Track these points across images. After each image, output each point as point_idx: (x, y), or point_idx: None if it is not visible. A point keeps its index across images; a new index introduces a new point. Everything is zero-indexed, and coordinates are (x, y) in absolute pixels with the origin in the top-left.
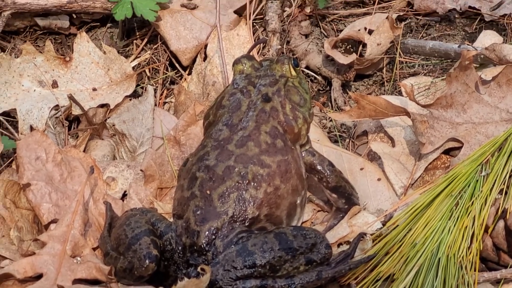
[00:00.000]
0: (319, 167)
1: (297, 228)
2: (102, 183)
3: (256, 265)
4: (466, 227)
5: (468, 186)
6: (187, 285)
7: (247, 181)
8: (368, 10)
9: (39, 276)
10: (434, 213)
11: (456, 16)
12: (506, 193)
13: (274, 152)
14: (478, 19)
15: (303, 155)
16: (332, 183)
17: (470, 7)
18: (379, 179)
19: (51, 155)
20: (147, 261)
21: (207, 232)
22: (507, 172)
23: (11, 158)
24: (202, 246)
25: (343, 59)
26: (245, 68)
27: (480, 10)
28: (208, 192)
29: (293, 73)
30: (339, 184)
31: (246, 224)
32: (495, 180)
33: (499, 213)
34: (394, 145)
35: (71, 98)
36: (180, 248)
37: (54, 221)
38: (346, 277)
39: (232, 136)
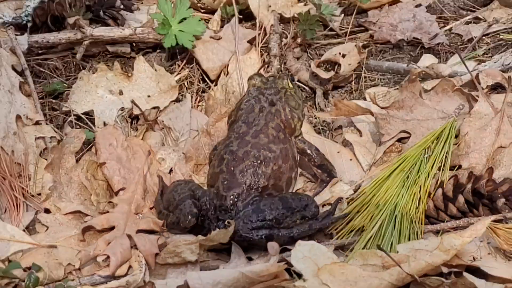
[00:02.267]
0: (308, 151)
1: (295, 194)
2: (156, 162)
3: (266, 219)
4: (415, 193)
5: (416, 164)
6: (218, 234)
7: (259, 161)
8: (341, 40)
9: (111, 228)
10: (391, 184)
11: (404, 44)
12: (442, 169)
13: (278, 141)
14: (420, 46)
15: (297, 143)
16: (318, 162)
17: (414, 37)
18: (351, 159)
19: (120, 142)
20: (189, 216)
21: (231, 197)
22: (443, 154)
23: (91, 145)
24: (228, 206)
25: (324, 75)
26: (256, 82)
27: (421, 40)
28: (232, 168)
29: (290, 85)
30: (323, 163)
31: (259, 191)
32: (435, 160)
33: (438, 183)
34: (361, 135)
35: (133, 102)
36: (212, 207)
37: (122, 189)
38: (329, 228)
39: (248, 130)
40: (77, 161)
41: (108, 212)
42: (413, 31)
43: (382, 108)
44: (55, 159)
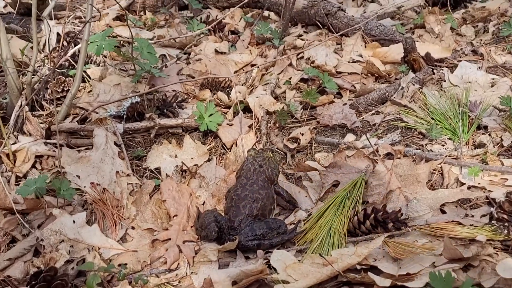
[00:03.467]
0: (281, 192)
1: (274, 219)
2: (195, 198)
3: (256, 234)
4: (342, 218)
5: (342, 201)
6: (229, 244)
7: (253, 200)
8: (301, 125)
9: (168, 239)
10: (328, 212)
11: (337, 127)
12: (356, 204)
13: (264, 188)
14: (345, 128)
15: (275, 188)
16: (287, 198)
17: (342, 123)
18: (306, 196)
19: (174, 187)
20: (213, 233)
21: (237, 221)
22: (358, 195)
23: (158, 189)
24: (235, 227)
25: (291, 146)
26: (252, 153)
27: (346, 124)
28: (237, 204)
29: (271, 155)
30: (290, 199)
31: (253, 217)
32: (353, 199)
33: (355, 212)
34: (312, 182)
35: (183, 163)
36: (226, 227)
37: (175, 215)
38: (293, 239)
39: (247, 182)
40: (150, 197)
41: (167, 229)
42: (342, 119)
43: (324, 167)
44: (137, 198)
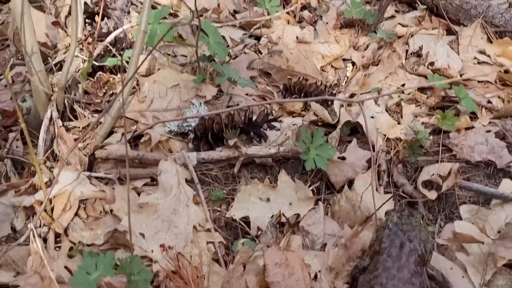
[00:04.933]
0: (436, 277)
1: None
2: (309, 273)
3: None
4: None
5: None
6: None
7: None
8: (433, 158)
9: None
10: None
11: (482, 164)
12: None
13: (417, 275)
14: (492, 166)
15: (427, 270)
16: (443, 286)
17: (488, 160)
18: (463, 276)
19: (282, 261)
20: None
21: None
22: None
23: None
24: None
25: (430, 195)
26: (394, 218)
27: (495, 162)
28: None
29: (421, 222)
30: (446, 286)
31: None
32: None
33: None
34: (468, 254)
35: (282, 214)
36: None
37: None
38: None
39: (393, 265)
40: (244, 269)
41: None
42: (487, 154)
43: (493, 239)
44: (230, 273)
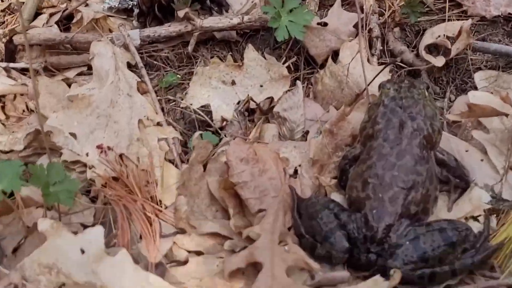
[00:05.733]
0: (448, 163)
1: (451, 223)
2: (285, 169)
3: (428, 259)
4: None
5: None
6: (380, 283)
7: (409, 187)
8: (439, 17)
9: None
10: None
11: (500, 20)
12: None
13: (423, 162)
14: None
15: (437, 154)
16: (457, 173)
17: (509, 14)
18: (482, 160)
19: (250, 156)
20: (342, 253)
21: (383, 228)
22: None
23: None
24: (381, 238)
25: (436, 62)
26: (390, 91)
27: None
28: (380, 195)
29: (426, 94)
30: (461, 172)
31: (410, 219)
32: None
33: None
34: (489, 131)
35: (251, 99)
36: (361, 237)
37: (260, 210)
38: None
39: (392, 151)
40: (204, 170)
41: (250, 239)
42: (508, 6)
43: None
44: (185, 173)
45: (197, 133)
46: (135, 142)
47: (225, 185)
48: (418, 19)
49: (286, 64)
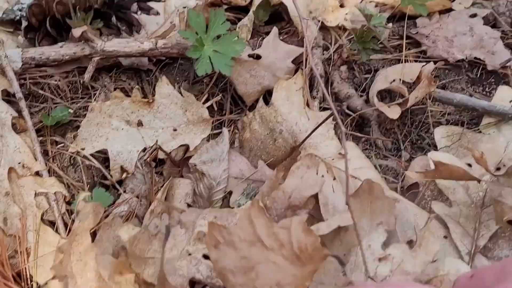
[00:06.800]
0: None
1: None
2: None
3: None
4: None
5: None
6: None
7: None
8: (393, 56)
9: None
10: None
11: (464, 65)
12: None
13: None
14: (480, 67)
15: None
16: None
17: (475, 58)
18: (445, 237)
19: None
20: None
21: None
22: None
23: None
24: None
25: (391, 114)
26: None
27: (484, 61)
28: None
29: None
30: None
31: None
32: None
33: None
34: (451, 204)
35: (159, 147)
36: None
37: None
38: None
39: None
40: (93, 237)
41: None
42: (474, 49)
43: (493, 174)
44: (66, 244)
45: (83, 194)
46: (3, 198)
47: (122, 269)
48: (370, 58)
49: (208, 104)
